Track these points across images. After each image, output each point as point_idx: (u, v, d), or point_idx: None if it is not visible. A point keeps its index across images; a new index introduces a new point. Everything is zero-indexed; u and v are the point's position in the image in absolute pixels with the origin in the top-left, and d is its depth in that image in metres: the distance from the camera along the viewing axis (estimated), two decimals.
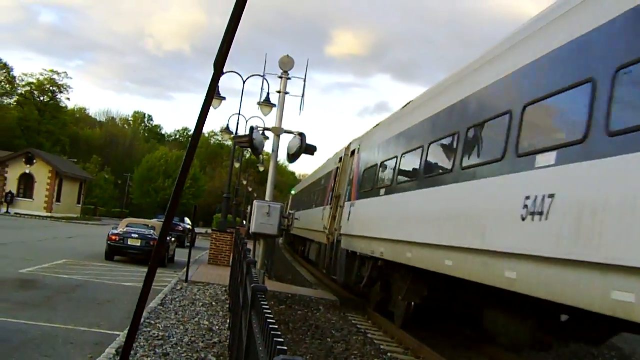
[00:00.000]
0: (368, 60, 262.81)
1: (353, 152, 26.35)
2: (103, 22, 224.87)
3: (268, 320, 3.92)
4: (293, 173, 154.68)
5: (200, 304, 19.54)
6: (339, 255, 24.42)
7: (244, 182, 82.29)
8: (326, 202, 31.09)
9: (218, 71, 5.78)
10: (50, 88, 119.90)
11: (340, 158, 29.64)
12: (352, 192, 24.46)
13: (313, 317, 20.19)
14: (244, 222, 69.09)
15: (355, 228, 22.58)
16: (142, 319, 14.18)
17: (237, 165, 53.93)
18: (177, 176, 5.75)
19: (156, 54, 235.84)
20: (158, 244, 5.25)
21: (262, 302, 4.86)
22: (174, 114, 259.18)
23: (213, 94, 5.86)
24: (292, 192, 67.92)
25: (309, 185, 47.00)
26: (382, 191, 19.82)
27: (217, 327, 16.05)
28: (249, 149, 29.80)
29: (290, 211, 54.34)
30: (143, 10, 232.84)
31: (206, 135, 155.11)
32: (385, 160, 20.33)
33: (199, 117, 5.81)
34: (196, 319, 16.78)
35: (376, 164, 21.43)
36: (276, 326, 3.74)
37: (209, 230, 63.96)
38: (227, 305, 19.03)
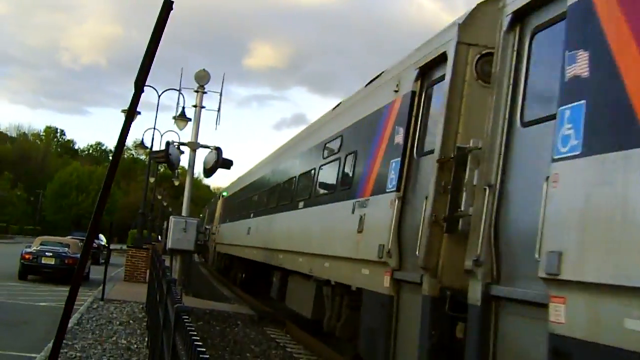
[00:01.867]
0: (285, 72, 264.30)
1: None
2: (16, 35, 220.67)
3: (195, 343, 3.94)
4: (208, 187, 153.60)
5: (118, 322, 19.29)
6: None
7: (159, 197, 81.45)
8: (369, 190, 13.26)
9: (138, 90, 5.79)
10: None
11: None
12: None
13: (231, 332, 20.12)
14: (160, 237, 68.27)
15: None
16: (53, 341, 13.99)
17: (152, 180, 53.36)
18: (98, 194, 5.73)
19: (72, 68, 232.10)
20: (80, 263, 5.22)
21: (188, 324, 4.87)
22: (89, 129, 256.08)
23: (134, 114, 5.86)
24: (224, 194, 47.62)
25: (280, 164, 25.58)
26: None
27: (135, 345, 15.88)
28: (165, 164, 29.68)
29: (207, 226, 53.63)
30: (58, 23, 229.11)
31: None
32: None
33: (120, 137, 5.80)
34: (114, 338, 16.56)
35: None
36: (204, 349, 3.76)
37: (124, 247, 63.15)
38: (145, 323, 18.85)
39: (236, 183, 42.63)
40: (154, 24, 5.62)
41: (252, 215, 28.96)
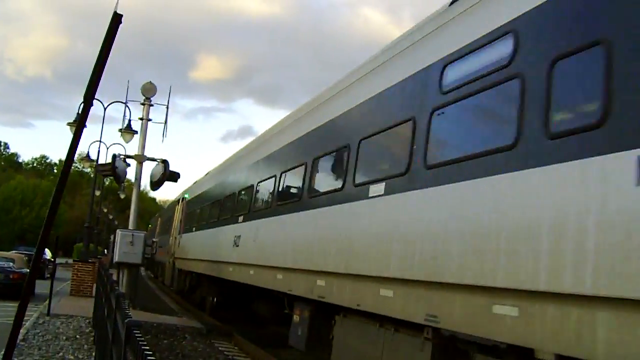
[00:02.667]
0: (232, 84, 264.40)
1: None
2: None
3: (149, 359, 3.95)
4: (154, 199, 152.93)
5: (64, 337, 19.06)
6: None
7: (105, 211, 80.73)
8: None
9: (87, 104, 5.78)
10: None
11: None
12: None
13: (179, 346, 19.99)
14: (105, 251, 67.53)
15: None
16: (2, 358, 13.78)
17: (97, 193, 52.82)
18: (43, 208, 5.70)
19: (16, 79, 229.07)
20: (29, 278, 5.19)
21: (140, 340, 4.87)
22: (34, 142, 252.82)
23: (83, 127, 5.84)
24: (186, 196, 36.77)
25: (305, 129, 15.43)
26: None
27: None
28: (111, 177, 29.48)
29: (155, 239, 52.99)
30: (1, 34, 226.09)
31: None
32: None
33: (69, 151, 5.77)
34: (61, 354, 16.36)
35: None
36: None
37: (70, 261, 62.38)
38: (92, 338, 18.65)
39: (210, 178, 31.33)
40: (102, 37, 5.61)
41: (241, 218, 20.22)
